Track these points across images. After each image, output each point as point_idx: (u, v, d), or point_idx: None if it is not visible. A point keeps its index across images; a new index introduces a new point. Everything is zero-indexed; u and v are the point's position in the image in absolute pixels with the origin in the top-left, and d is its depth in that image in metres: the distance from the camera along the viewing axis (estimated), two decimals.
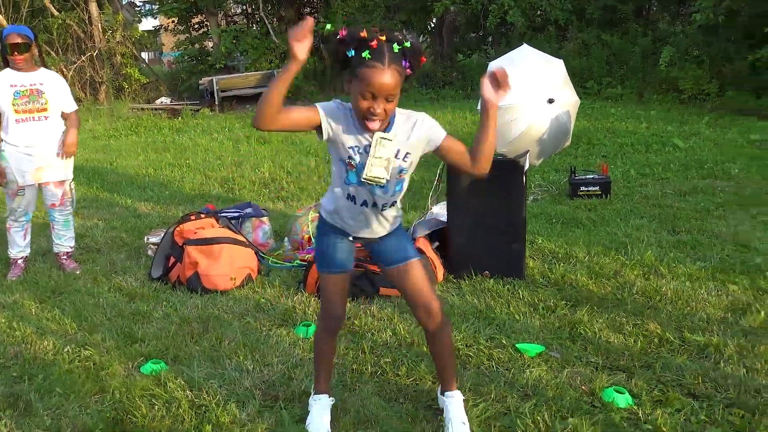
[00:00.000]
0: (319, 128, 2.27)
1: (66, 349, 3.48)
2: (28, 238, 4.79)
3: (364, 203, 2.39)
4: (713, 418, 2.70)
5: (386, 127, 2.29)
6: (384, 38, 2.14)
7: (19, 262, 4.74)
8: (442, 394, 2.71)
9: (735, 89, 11.07)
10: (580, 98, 12.22)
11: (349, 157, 2.31)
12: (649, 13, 15.64)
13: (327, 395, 2.75)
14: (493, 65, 3.80)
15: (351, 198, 2.39)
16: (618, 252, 4.59)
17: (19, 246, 4.73)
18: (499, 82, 2.21)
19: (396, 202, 2.47)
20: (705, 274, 4.15)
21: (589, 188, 6.13)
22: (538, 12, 15.31)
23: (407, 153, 2.34)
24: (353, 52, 2.14)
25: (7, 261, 4.85)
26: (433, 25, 17.73)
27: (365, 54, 2.11)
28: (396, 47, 2.14)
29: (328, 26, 2.23)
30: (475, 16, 15.53)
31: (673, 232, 5.07)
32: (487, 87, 2.23)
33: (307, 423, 2.68)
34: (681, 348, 3.27)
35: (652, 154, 7.83)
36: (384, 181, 2.32)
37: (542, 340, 3.40)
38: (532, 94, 3.59)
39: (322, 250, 2.57)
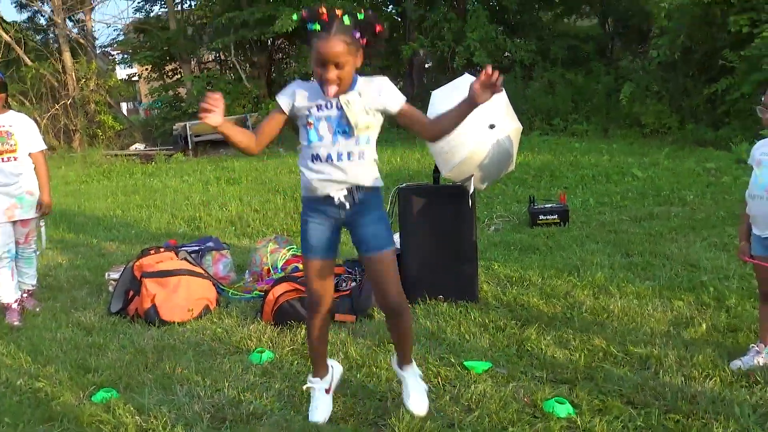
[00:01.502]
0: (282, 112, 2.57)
1: (18, 382, 3.49)
2: (17, 278, 4.64)
3: (329, 158, 2.52)
4: (650, 423, 2.77)
5: (347, 90, 2.49)
6: (338, 12, 2.35)
7: (13, 305, 4.57)
8: (401, 367, 2.87)
9: (694, 122, 11.39)
10: (547, 135, 12.64)
11: (307, 116, 2.51)
12: (612, 52, 16.11)
13: (320, 378, 2.93)
14: (437, 93, 3.95)
15: (316, 158, 2.53)
16: (570, 274, 4.69)
17: (9, 288, 4.55)
18: (494, 84, 2.41)
19: (364, 155, 2.56)
20: (652, 292, 4.26)
21: (548, 217, 6.28)
22: (505, 53, 15.72)
23: (377, 110, 2.56)
24: (310, 26, 2.35)
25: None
26: (406, 68, 18.08)
27: (315, 26, 2.32)
28: (347, 19, 2.33)
29: (294, 16, 2.51)
30: (443, 58, 15.90)
31: (626, 255, 5.19)
32: (481, 86, 2.42)
33: (310, 410, 2.90)
34: (624, 360, 3.35)
35: (612, 184, 8.02)
36: (372, 123, 2.54)
37: (490, 358, 3.47)
38: (474, 120, 3.71)
39: (303, 235, 2.70)
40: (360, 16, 2.36)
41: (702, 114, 11.56)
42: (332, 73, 2.38)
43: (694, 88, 11.77)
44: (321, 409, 2.90)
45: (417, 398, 2.80)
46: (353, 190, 2.58)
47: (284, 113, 2.56)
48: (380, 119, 2.58)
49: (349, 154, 2.53)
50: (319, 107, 2.51)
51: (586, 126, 12.93)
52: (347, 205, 2.59)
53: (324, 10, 2.33)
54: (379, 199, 2.69)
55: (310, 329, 2.87)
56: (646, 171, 8.46)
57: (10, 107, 4.76)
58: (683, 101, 11.97)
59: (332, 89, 2.42)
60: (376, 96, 2.54)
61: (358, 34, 2.37)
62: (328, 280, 2.75)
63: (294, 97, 2.53)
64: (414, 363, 2.90)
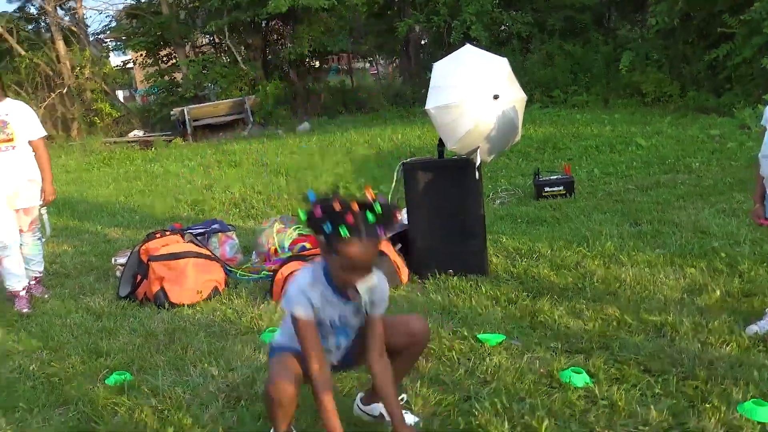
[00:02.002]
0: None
1: (31, 367, 3.48)
2: (23, 265, 4.61)
3: (327, 351, 2.39)
4: (668, 390, 2.75)
5: None
6: (357, 207, 2.13)
7: (22, 293, 4.55)
8: (374, 402, 2.66)
9: (696, 89, 11.30)
10: (548, 107, 12.56)
11: (330, 325, 2.34)
12: (609, 21, 15.96)
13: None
14: (438, 66, 3.90)
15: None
16: (580, 245, 4.67)
17: (16, 276, 4.53)
18: None
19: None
20: (664, 260, 4.24)
21: (554, 188, 6.24)
22: (501, 27, 15.58)
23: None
24: (330, 226, 2.11)
25: (3, 296, 4.67)
26: (402, 45, 17.94)
27: (343, 232, 2.08)
28: (371, 217, 2.12)
29: (301, 214, 2.19)
30: (439, 33, 15.75)
31: (635, 224, 5.16)
32: None
33: None
34: (638, 328, 3.34)
35: (616, 154, 7.97)
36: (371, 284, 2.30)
37: (504, 330, 3.45)
38: (477, 91, 3.67)
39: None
40: (378, 209, 2.13)
41: (703, 80, 11.47)
42: (361, 277, 2.19)
43: (694, 54, 11.67)
44: None
45: (410, 416, 2.63)
46: None
47: (313, 318, 2.27)
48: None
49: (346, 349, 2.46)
50: (333, 323, 2.33)
51: (586, 97, 12.83)
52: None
53: (347, 207, 2.11)
54: None
55: (289, 397, 2.31)
56: (649, 140, 8.40)
57: (6, 95, 4.71)
58: (683, 68, 11.87)
59: (356, 295, 2.23)
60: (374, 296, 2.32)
61: (381, 231, 2.16)
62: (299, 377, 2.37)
63: (311, 303, 2.24)
64: None
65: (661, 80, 11.74)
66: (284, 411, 2.32)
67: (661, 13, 11.29)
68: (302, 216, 2.18)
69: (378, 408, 2.65)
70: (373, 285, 2.26)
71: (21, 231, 4.66)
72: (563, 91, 13.34)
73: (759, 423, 2.48)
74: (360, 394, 2.75)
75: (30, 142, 4.62)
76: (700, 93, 11.06)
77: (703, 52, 11.24)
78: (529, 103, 12.84)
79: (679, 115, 10.25)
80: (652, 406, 2.62)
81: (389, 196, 4.75)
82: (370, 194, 2.16)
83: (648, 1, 12.75)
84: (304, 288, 2.25)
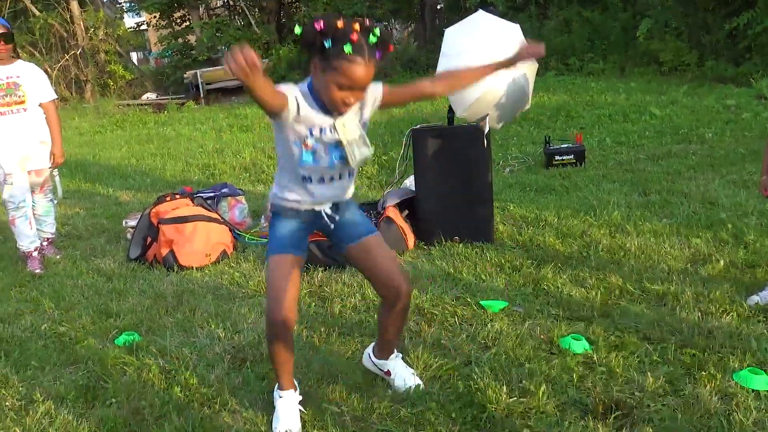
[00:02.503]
0: (273, 112, 2.15)
1: (43, 327, 3.56)
2: (35, 226, 4.70)
3: (321, 180, 2.34)
4: (666, 358, 2.78)
5: None
6: (359, 27, 2.08)
7: (34, 254, 4.64)
8: (383, 358, 2.70)
9: (714, 58, 11.12)
10: (563, 75, 12.42)
11: (305, 137, 2.24)
12: None
13: (293, 390, 2.53)
14: (449, 32, 3.87)
15: (307, 179, 2.32)
16: (587, 214, 4.67)
17: (28, 236, 4.61)
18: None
19: (351, 173, 2.41)
20: (669, 230, 4.24)
21: (564, 157, 6.22)
22: None
23: (365, 122, 2.36)
24: (331, 42, 2.05)
25: (17, 256, 4.77)
26: (417, 10, 17.75)
27: (347, 48, 2.03)
28: (372, 38, 2.09)
29: (297, 29, 2.11)
30: None
31: (643, 194, 5.15)
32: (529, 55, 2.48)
33: (273, 423, 2.47)
34: (640, 297, 3.36)
35: (629, 123, 7.90)
36: (369, 155, 2.34)
37: (506, 297, 3.48)
38: (489, 58, 3.65)
39: (273, 233, 2.42)
40: (377, 32, 2.10)
41: (722, 50, 11.26)
42: (357, 97, 2.18)
43: (714, 22, 11.44)
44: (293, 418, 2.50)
45: (413, 377, 2.68)
46: (340, 203, 2.46)
47: (285, 107, 2.14)
48: (367, 130, 2.36)
49: (340, 175, 2.37)
50: (321, 130, 2.24)
51: (602, 65, 12.66)
52: (336, 217, 2.45)
53: (350, 26, 2.06)
54: (350, 197, 2.52)
55: (276, 348, 2.40)
56: (664, 109, 8.32)
57: (18, 57, 4.74)
58: (702, 37, 11.66)
59: (348, 110, 2.22)
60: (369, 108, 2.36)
61: (379, 54, 2.13)
62: (297, 286, 2.38)
63: (297, 107, 2.18)
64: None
65: (680, 49, 11.54)
66: (286, 344, 2.40)
67: None
68: (298, 29, 2.10)
69: (386, 364, 2.70)
70: (346, 116, 2.27)
71: (34, 193, 4.73)
72: (579, 59, 13.17)
73: (753, 390, 2.51)
74: (372, 344, 2.78)
75: (41, 105, 4.65)
76: (719, 62, 10.88)
77: (723, 21, 11.03)
78: (544, 70, 12.87)
79: (696, 85, 10.12)
80: (648, 373, 2.65)
81: (398, 162, 4.78)
82: (368, 21, 2.13)
83: None
84: (297, 89, 2.20)
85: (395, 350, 2.71)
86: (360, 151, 2.31)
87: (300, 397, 2.55)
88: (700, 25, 11.69)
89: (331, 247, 4.02)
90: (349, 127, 2.28)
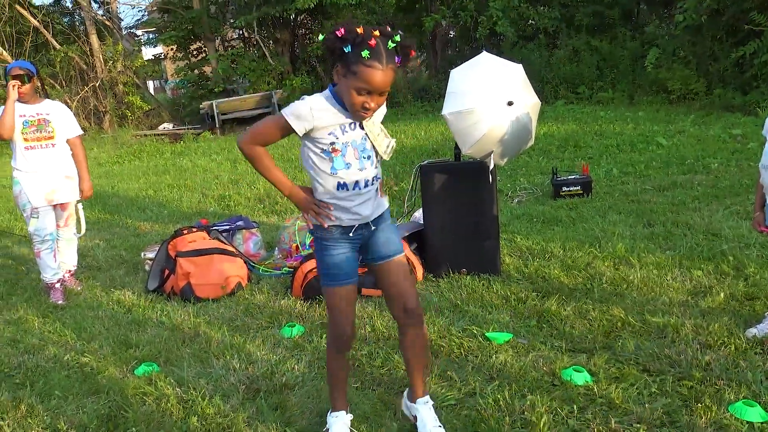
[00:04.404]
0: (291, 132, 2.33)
1: (66, 357, 3.71)
2: (59, 258, 4.89)
3: (356, 185, 2.40)
4: (664, 390, 2.88)
5: None
6: (378, 33, 2.18)
7: (57, 285, 4.81)
8: (413, 401, 2.72)
9: (722, 87, 11.25)
10: (572, 103, 12.58)
11: (332, 143, 2.33)
12: (637, 17, 15.87)
13: (345, 411, 2.71)
14: (455, 72, 4.04)
15: (342, 186, 2.39)
16: (592, 246, 4.78)
17: (52, 268, 4.78)
18: None
19: (377, 177, 2.49)
20: (672, 262, 4.34)
21: (571, 188, 6.35)
22: (529, 21, 15.59)
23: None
24: (350, 48, 2.16)
25: (40, 287, 4.95)
26: (428, 40, 18.02)
27: (365, 53, 2.14)
28: (390, 44, 2.19)
29: (320, 37, 2.28)
30: (466, 28, 15.82)
31: (648, 225, 5.26)
32: None
33: None
34: (641, 330, 3.46)
35: (637, 153, 8.02)
36: (394, 144, 2.48)
37: (512, 329, 3.60)
38: (492, 97, 3.81)
39: (326, 263, 2.49)
40: (397, 38, 2.19)
41: (730, 78, 11.39)
42: (376, 102, 2.26)
43: (722, 51, 11.58)
44: None
45: (436, 430, 2.65)
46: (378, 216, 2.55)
47: (290, 132, 2.32)
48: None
49: (374, 179, 2.46)
50: (342, 127, 2.33)
51: (611, 94, 12.83)
52: (372, 227, 2.52)
53: (369, 32, 2.17)
54: (387, 207, 2.62)
55: (336, 366, 2.66)
56: (671, 139, 8.44)
57: (47, 96, 4.96)
58: (710, 65, 11.80)
59: (369, 115, 2.32)
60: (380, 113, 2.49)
61: (398, 60, 2.23)
62: (354, 306, 2.59)
63: (312, 119, 2.29)
64: (428, 396, 2.74)
65: (688, 77, 11.69)
66: (346, 362, 2.68)
67: (688, 10, 11.25)
68: (322, 39, 2.23)
69: (414, 408, 2.71)
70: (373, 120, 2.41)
71: (59, 226, 4.91)
72: (589, 88, 13.36)
73: (747, 422, 2.60)
74: (407, 390, 2.80)
75: (67, 140, 4.85)
76: (726, 90, 11.00)
77: (730, 50, 11.17)
78: (554, 99, 13.05)
79: (703, 114, 10.24)
80: (647, 405, 2.75)
81: (407, 196, 4.93)
82: (390, 28, 2.23)
83: None
84: (311, 100, 2.31)
85: (425, 394, 2.72)
86: (386, 142, 2.44)
87: (351, 416, 2.73)
88: (708, 54, 11.84)
89: None
90: (373, 122, 2.41)
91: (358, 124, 2.36)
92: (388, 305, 2.65)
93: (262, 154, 2.41)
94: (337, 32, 2.18)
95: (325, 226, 2.43)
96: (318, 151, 2.36)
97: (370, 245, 2.55)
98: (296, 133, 2.32)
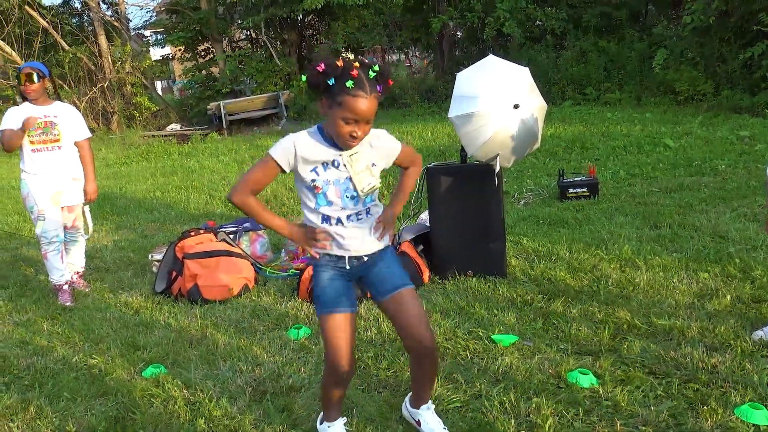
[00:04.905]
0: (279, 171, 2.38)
1: (74, 359, 3.74)
2: (66, 260, 4.92)
3: (338, 221, 2.42)
4: (670, 392, 2.89)
5: None
6: (358, 64, 2.23)
7: (65, 287, 4.84)
8: (416, 408, 2.73)
9: (730, 88, 11.21)
10: (580, 105, 12.56)
11: (313, 180, 2.35)
12: (645, 18, 15.84)
13: (339, 418, 2.74)
14: (461, 75, 4.05)
15: (326, 219, 2.42)
16: (598, 248, 4.78)
17: (60, 270, 4.80)
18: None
19: (369, 211, 2.49)
20: (678, 264, 4.34)
21: (578, 190, 6.35)
22: (536, 22, 15.58)
23: (373, 163, 2.45)
24: (333, 80, 2.20)
25: (48, 289, 4.98)
26: (435, 40, 18.03)
27: (349, 83, 2.18)
28: (371, 73, 2.22)
29: (303, 77, 2.31)
30: (473, 29, 15.83)
31: (655, 227, 5.25)
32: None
33: None
34: (647, 332, 3.46)
35: (644, 154, 8.00)
36: (377, 185, 2.46)
37: (517, 331, 3.61)
38: (499, 100, 3.82)
39: (318, 287, 2.49)
40: (376, 68, 2.24)
41: (738, 79, 11.36)
42: (362, 130, 2.28)
43: (730, 53, 11.55)
44: None
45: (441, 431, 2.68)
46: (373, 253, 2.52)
47: (282, 171, 2.37)
48: (379, 172, 2.47)
49: (357, 215, 2.45)
50: (325, 165, 2.36)
51: (619, 95, 12.80)
52: (365, 258, 2.50)
53: (350, 63, 2.22)
54: (388, 246, 2.58)
55: (331, 395, 2.62)
56: (678, 140, 8.42)
57: (59, 97, 5.00)
58: (718, 67, 11.76)
59: (356, 143, 2.33)
60: (377, 143, 2.45)
61: (379, 88, 2.26)
62: (353, 337, 2.50)
63: (296, 155, 2.33)
64: (431, 401, 2.75)
65: (695, 78, 11.66)
66: (343, 388, 2.62)
67: (697, 11, 11.23)
68: (304, 77, 2.28)
69: (417, 414, 2.73)
70: (373, 136, 2.42)
71: (66, 228, 4.94)
72: (596, 89, 13.34)
73: (753, 425, 2.60)
74: (409, 394, 2.81)
75: (75, 143, 4.88)
76: (734, 92, 10.97)
77: (738, 51, 11.14)
78: (561, 100, 13.04)
79: (711, 115, 10.21)
80: (653, 407, 2.76)
81: (413, 198, 4.94)
82: (366, 59, 2.28)
83: None
84: (295, 137, 2.36)
85: (428, 400, 2.74)
86: (367, 180, 2.42)
87: (345, 419, 2.76)
88: (716, 56, 11.81)
89: None
90: (358, 160, 2.40)
91: (342, 163, 2.37)
92: (400, 336, 2.60)
93: (252, 203, 2.44)
94: (318, 67, 2.22)
95: (327, 249, 2.44)
96: (303, 187, 2.42)
97: (372, 281, 2.54)
98: (283, 171, 2.36)
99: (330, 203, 2.40)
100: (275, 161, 2.34)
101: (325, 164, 2.36)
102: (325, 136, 2.35)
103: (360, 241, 2.47)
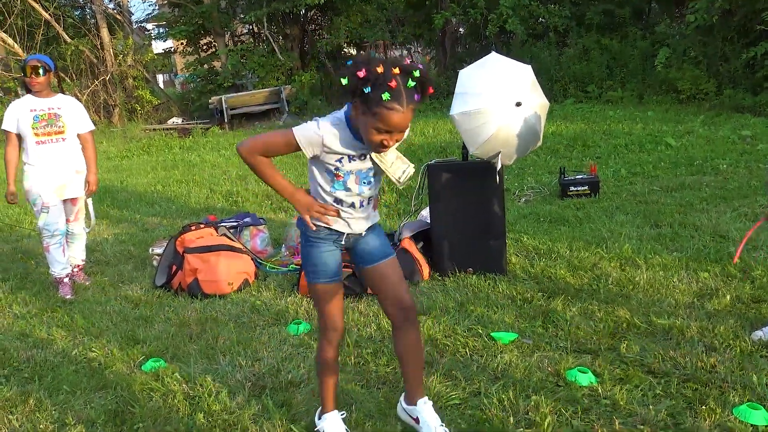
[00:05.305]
0: (297, 150, 2.34)
1: (74, 352, 3.75)
2: (68, 253, 4.92)
3: (352, 205, 2.45)
4: (668, 392, 2.89)
5: None
6: (398, 71, 2.15)
7: (65, 280, 4.84)
8: (413, 404, 2.70)
9: (732, 87, 11.20)
10: (582, 102, 12.55)
11: (336, 169, 2.36)
12: (648, 16, 15.81)
13: (336, 410, 2.73)
14: (464, 73, 4.04)
15: (338, 202, 2.44)
16: (598, 246, 4.78)
17: (61, 263, 4.81)
18: None
19: (377, 194, 2.57)
20: (678, 264, 4.34)
21: (578, 188, 6.35)
22: (539, 19, 15.55)
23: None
24: (370, 89, 2.13)
25: (49, 281, 5.00)
26: (438, 37, 18.00)
27: (385, 96, 2.12)
28: (411, 83, 2.16)
29: (343, 80, 2.18)
30: (476, 26, 15.80)
31: (655, 226, 5.25)
32: None
33: None
34: (647, 331, 3.46)
35: (645, 153, 8.00)
36: (411, 170, 2.47)
37: (517, 329, 3.61)
38: (501, 98, 3.82)
39: (313, 261, 2.52)
40: (416, 74, 2.16)
41: (740, 79, 11.34)
42: (395, 140, 2.25)
43: (733, 52, 11.54)
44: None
45: (441, 429, 2.63)
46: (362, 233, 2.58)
47: (296, 150, 2.34)
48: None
49: (369, 200, 2.50)
50: (351, 158, 2.36)
51: (621, 93, 12.78)
52: (362, 234, 2.56)
53: (389, 72, 2.13)
54: (377, 219, 2.64)
55: (327, 362, 2.64)
56: (680, 139, 8.42)
57: (63, 90, 5.00)
58: (721, 66, 11.75)
59: (384, 150, 2.31)
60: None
61: (418, 97, 2.19)
62: (342, 302, 2.61)
63: (321, 146, 2.31)
64: (427, 397, 2.71)
65: (698, 77, 11.65)
66: (335, 366, 2.65)
67: (700, 10, 11.21)
68: (344, 80, 2.17)
69: (414, 410, 2.70)
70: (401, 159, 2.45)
71: (68, 221, 4.94)
72: (598, 87, 13.32)
73: (752, 425, 2.60)
74: (403, 393, 2.81)
75: (78, 135, 4.88)
76: (737, 91, 10.96)
77: (741, 50, 11.13)
78: (563, 98, 13.02)
79: (713, 114, 10.20)
80: (651, 406, 2.76)
81: (414, 194, 4.94)
82: (409, 62, 2.21)
83: None
84: (325, 126, 2.31)
85: (424, 394, 2.70)
86: (401, 169, 2.44)
87: (344, 413, 2.75)
88: (719, 55, 11.79)
89: (348, 277, 4.17)
90: (386, 153, 2.39)
91: (368, 156, 2.38)
92: (382, 305, 2.65)
93: (264, 162, 2.39)
94: (358, 73, 2.14)
95: (331, 225, 2.45)
96: (322, 169, 2.41)
97: (359, 251, 2.59)
98: (299, 149, 2.33)
99: (348, 189, 2.42)
100: (297, 142, 2.30)
101: (351, 157, 2.36)
102: (352, 129, 2.32)
103: (364, 221, 2.53)
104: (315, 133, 2.30)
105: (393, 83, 2.12)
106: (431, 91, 2.23)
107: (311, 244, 2.52)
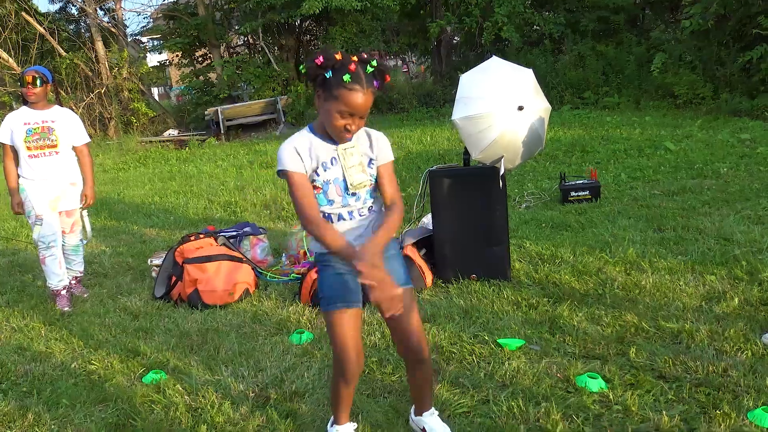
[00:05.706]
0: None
1: (73, 365, 3.68)
2: (64, 265, 4.85)
3: (340, 218, 2.41)
4: (681, 396, 2.84)
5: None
6: (356, 59, 2.23)
7: (63, 292, 4.78)
8: (420, 416, 2.71)
9: (729, 91, 11.20)
10: (578, 109, 12.55)
11: (314, 181, 2.36)
12: (643, 22, 15.85)
13: (349, 423, 2.72)
14: (465, 77, 4.01)
15: (327, 217, 2.40)
16: (602, 251, 4.74)
17: (57, 275, 4.74)
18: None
19: (371, 209, 2.47)
20: (684, 267, 4.29)
21: (579, 193, 6.31)
22: (534, 27, 15.58)
23: (371, 160, 2.43)
24: (331, 73, 2.21)
25: (46, 294, 4.93)
26: (433, 45, 18.02)
27: (346, 77, 2.18)
28: (369, 68, 2.23)
29: (302, 67, 2.32)
30: (471, 34, 15.82)
31: (659, 230, 5.21)
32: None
33: None
34: (656, 335, 3.41)
35: (644, 158, 7.97)
36: (369, 182, 2.42)
37: (523, 335, 3.55)
38: (503, 102, 3.78)
39: (328, 284, 2.45)
40: (374, 63, 2.24)
41: (737, 83, 11.34)
42: (357, 124, 2.29)
43: (728, 56, 11.55)
44: None
45: None
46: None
47: (305, 173, 2.34)
48: (374, 171, 2.44)
49: (359, 211, 2.43)
50: (324, 165, 2.36)
51: (617, 99, 12.79)
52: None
53: (348, 58, 2.22)
54: (392, 240, 2.53)
55: (341, 393, 2.58)
56: (679, 144, 8.39)
57: (60, 102, 4.96)
58: (717, 70, 11.75)
59: (350, 136, 2.33)
60: (377, 144, 2.44)
61: (377, 84, 2.26)
62: (360, 332, 2.50)
63: (297, 153, 2.33)
64: (433, 408, 2.73)
65: (694, 82, 11.64)
66: (352, 385, 2.54)
67: (695, 15, 11.23)
68: (303, 68, 2.28)
69: (422, 422, 2.70)
70: (374, 135, 2.44)
71: (64, 233, 4.88)
72: (594, 93, 13.33)
73: (767, 430, 2.55)
74: (413, 406, 2.78)
75: (74, 148, 4.83)
76: (733, 95, 10.95)
77: (737, 54, 11.14)
78: (560, 104, 13.02)
79: (710, 118, 10.18)
80: (664, 412, 2.71)
81: (416, 201, 4.89)
82: (365, 54, 2.27)
83: (683, 1, 12.64)
84: (289, 142, 2.35)
85: (431, 407, 2.70)
86: (358, 176, 2.40)
87: (355, 425, 2.71)
88: (714, 59, 11.80)
89: None
90: (352, 154, 2.39)
91: (337, 159, 2.37)
92: (393, 340, 2.60)
93: (319, 221, 2.32)
94: (316, 60, 2.23)
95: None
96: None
97: None
98: (303, 172, 2.33)
99: (331, 202, 2.40)
100: (294, 173, 2.31)
101: (324, 164, 2.37)
102: (319, 134, 2.37)
103: (361, 239, 2.41)
104: (286, 150, 2.34)
105: (352, 66, 2.21)
106: (388, 79, 2.30)
107: (321, 267, 2.49)
